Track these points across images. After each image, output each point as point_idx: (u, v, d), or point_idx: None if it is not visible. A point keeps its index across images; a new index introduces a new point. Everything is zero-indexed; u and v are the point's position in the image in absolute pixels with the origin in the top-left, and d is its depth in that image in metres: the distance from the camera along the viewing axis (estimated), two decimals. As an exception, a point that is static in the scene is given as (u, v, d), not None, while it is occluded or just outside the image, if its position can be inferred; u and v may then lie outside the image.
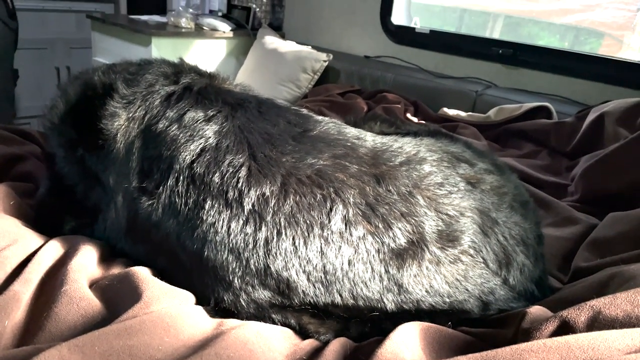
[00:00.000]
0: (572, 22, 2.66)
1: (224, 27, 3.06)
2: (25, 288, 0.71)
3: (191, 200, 0.76)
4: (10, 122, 2.92)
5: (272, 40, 2.99)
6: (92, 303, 0.70)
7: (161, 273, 0.81)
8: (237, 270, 0.73)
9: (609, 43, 2.56)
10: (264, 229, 0.73)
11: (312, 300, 0.73)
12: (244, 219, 0.74)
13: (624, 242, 1.03)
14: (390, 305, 0.73)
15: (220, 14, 3.32)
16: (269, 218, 0.73)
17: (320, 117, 0.92)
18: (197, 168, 0.78)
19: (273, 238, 0.72)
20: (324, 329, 0.75)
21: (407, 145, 0.87)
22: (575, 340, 0.55)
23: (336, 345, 0.70)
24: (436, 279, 0.74)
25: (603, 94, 2.05)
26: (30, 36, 3.38)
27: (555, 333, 0.61)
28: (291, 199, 0.74)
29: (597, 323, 0.61)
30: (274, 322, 0.75)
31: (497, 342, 0.67)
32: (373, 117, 1.18)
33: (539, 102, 2.08)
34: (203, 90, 0.89)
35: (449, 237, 0.76)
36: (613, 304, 0.61)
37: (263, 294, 0.74)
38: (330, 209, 0.74)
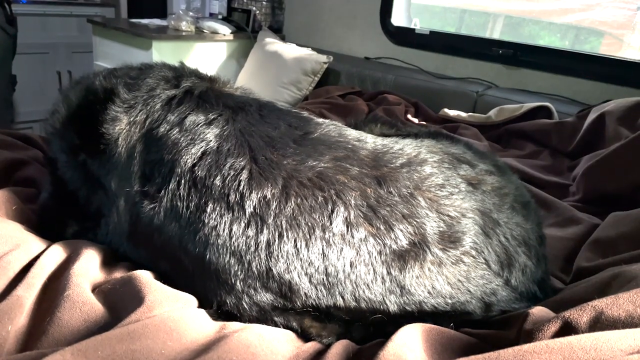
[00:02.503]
0: (572, 22, 2.66)
1: (225, 30, 3.06)
2: (28, 293, 0.72)
3: (193, 203, 0.77)
4: (10, 127, 2.93)
5: (272, 43, 2.99)
6: (94, 307, 0.70)
7: (163, 277, 0.81)
8: (239, 273, 0.73)
9: (610, 42, 2.56)
10: (265, 231, 0.73)
11: (314, 303, 0.73)
12: (246, 221, 0.74)
13: (626, 241, 1.02)
14: (392, 307, 0.73)
15: (220, 16, 3.32)
16: (270, 221, 0.73)
17: (320, 120, 0.93)
18: (198, 171, 0.78)
19: (275, 241, 0.73)
20: (326, 332, 0.75)
21: (407, 147, 0.87)
22: (577, 341, 0.55)
23: (338, 347, 0.70)
24: (438, 280, 0.74)
25: (604, 94, 2.05)
26: (32, 41, 3.39)
27: (558, 334, 0.61)
28: (292, 202, 0.74)
29: (599, 324, 0.61)
30: (276, 325, 0.75)
31: (500, 343, 0.67)
32: (374, 119, 1.18)
33: (539, 102, 2.08)
34: (204, 94, 0.90)
35: (450, 238, 0.76)
36: (615, 304, 0.61)
37: (265, 297, 0.74)
38: (332, 211, 0.74)
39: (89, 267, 0.79)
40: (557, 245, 1.16)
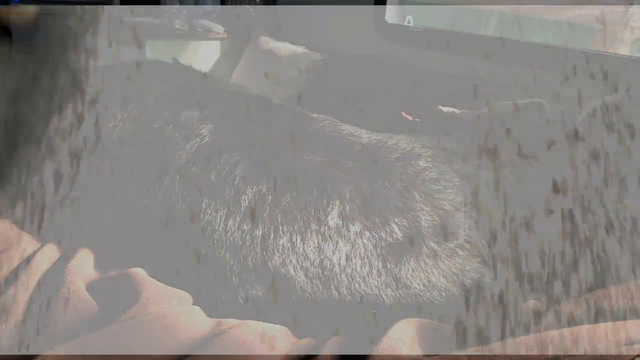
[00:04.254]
0: (565, 18, 2.67)
1: (218, 28, 3.05)
2: (23, 291, 0.71)
3: (188, 199, 0.77)
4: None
5: (266, 41, 2.98)
6: (90, 305, 0.70)
7: (159, 273, 0.81)
8: (234, 268, 0.73)
9: (603, 39, 2.57)
10: (260, 226, 0.73)
11: (309, 297, 0.73)
12: (241, 216, 0.74)
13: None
14: (388, 301, 0.73)
15: (214, 14, 3.31)
16: (265, 215, 0.73)
17: (315, 115, 0.93)
18: (193, 167, 0.78)
19: (270, 235, 0.73)
20: (322, 328, 0.75)
21: (402, 142, 0.88)
22: (570, 333, 0.55)
23: (334, 343, 0.70)
24: (433, 273, 0.74)
25: (598, 90, 2.05)
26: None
27: (551, 326, 0.61)
28: (288, 196, 0.75)
29: (593, 316, 0.61)
30: (272, 321, 0.75)
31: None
32: (368, 115, 1.19)
33: (532, 98, 2.08)
34: (198, 91, 0.90)
35: (445, 232, 0.77)
36: (608, 297, 0.62)
37: (261, 292, 0.74)
38: (327, 205, 0.74)
39: (84, 265, 0.79)
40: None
